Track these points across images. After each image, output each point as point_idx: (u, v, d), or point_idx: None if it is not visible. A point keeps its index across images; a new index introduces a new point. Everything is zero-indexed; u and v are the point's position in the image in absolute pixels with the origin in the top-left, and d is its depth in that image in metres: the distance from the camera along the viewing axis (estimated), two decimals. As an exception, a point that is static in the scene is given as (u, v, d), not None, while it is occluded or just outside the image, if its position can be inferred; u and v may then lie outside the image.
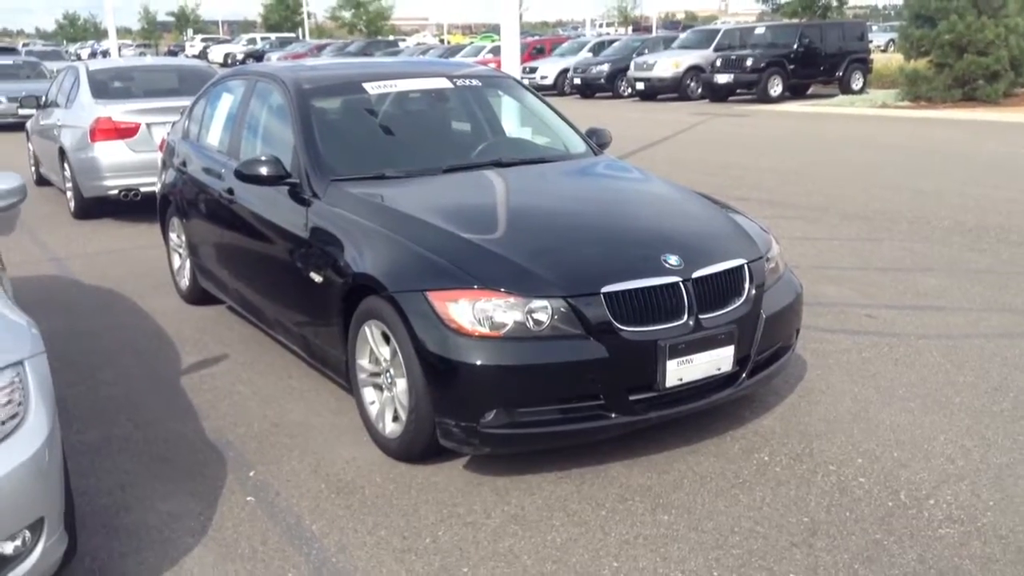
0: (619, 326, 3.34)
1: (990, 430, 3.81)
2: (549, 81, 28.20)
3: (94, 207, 8.99)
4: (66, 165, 9.16)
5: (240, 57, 48.90)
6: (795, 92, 22.33)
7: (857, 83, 22.67)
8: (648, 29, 54.11)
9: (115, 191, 8.65)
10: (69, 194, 9.30)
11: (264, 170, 4.27)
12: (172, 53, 58.99)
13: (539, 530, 3.15)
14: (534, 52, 31.45)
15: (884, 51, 34.73)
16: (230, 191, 4.87)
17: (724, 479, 3.48)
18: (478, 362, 3.25)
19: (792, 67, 21.86)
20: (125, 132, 8.57)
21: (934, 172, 10.73)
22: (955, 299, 5.69)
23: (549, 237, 3.70)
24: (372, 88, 4.75)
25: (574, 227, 3.82)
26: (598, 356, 3.31)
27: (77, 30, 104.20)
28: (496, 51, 33.98)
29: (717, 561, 2.93)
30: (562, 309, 3.31)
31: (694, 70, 23.64)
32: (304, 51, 43.89)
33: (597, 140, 5.16)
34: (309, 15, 63.23)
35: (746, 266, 3.70)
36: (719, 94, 22.54)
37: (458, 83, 5.02)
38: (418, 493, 3.43)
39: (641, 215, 4.04)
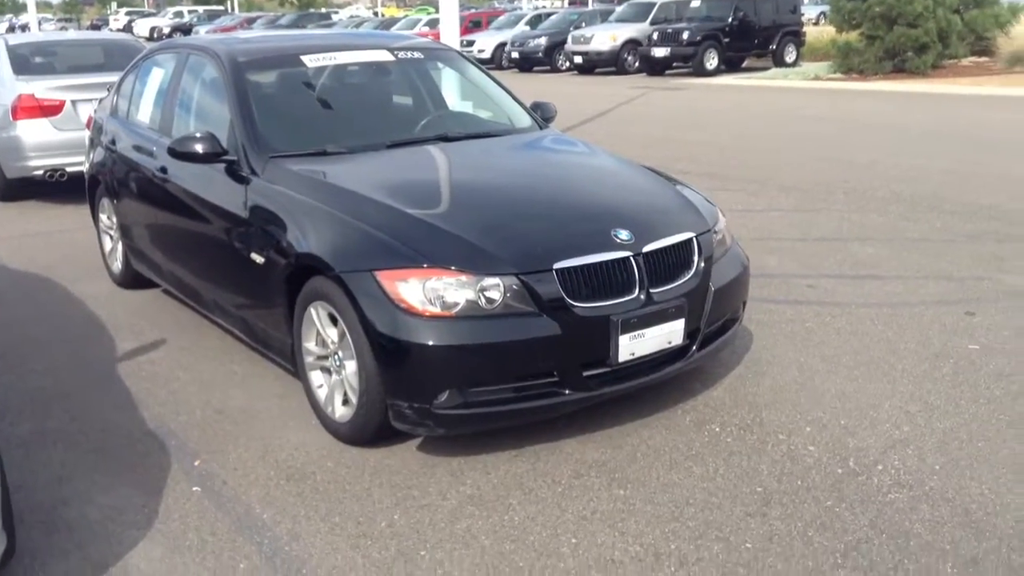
0: (572, 302, 3.31)
1: (932, 395, 3.90)
2: (487, 55, 27.96)
3: (19, 189, 8.63)
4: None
5: (167, 31, 47.46)
6: (730, 65, 22.54)
7: (790, 56, 22.98)
8: (584, 2, 54.02)
9: (40, 172, 8.30)
10: (-10, 176, 8.90)
11: (199, 147, 4.12)
12: (95, 27, 56.96)
13: (496, 510, 3.12)
14: (471, 25, 31.13)
15: (816, 24, 35.25)
16: (163, 170, 4.70)
17: (677, 451, 3.49)
18: (430, 342, 3.19)
19: (727, 40, 22.05)
20: (49, 110, 8.22)
21: (867, 143, 10.94)
22: (893, 268, 5.80)
23: (499, 213, 3.64)
24: (311, 61, 4.61)
25: (523, 202, 3.77)
26: (551, 333, 3.27)
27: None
28: (433, 24, 33.57)
29: (674, 533, 2.94)
30: (514, 286, 3.26)
31: (631, 44, 23.67)
32: (234, 24, 42.77)
33: (542, 114, 5.10)
34: (238, -13, 61.58)
35: (695, 239, 3.70)
36: (656, 68, 22.62)
37: (399, 56, 4.90)
38: (371, 477, 3.36)
39: (590, 189, 4.01)
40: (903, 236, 6.57)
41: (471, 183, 4.01)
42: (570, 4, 56.42)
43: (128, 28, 49.98)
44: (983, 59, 19.95)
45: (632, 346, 3.43)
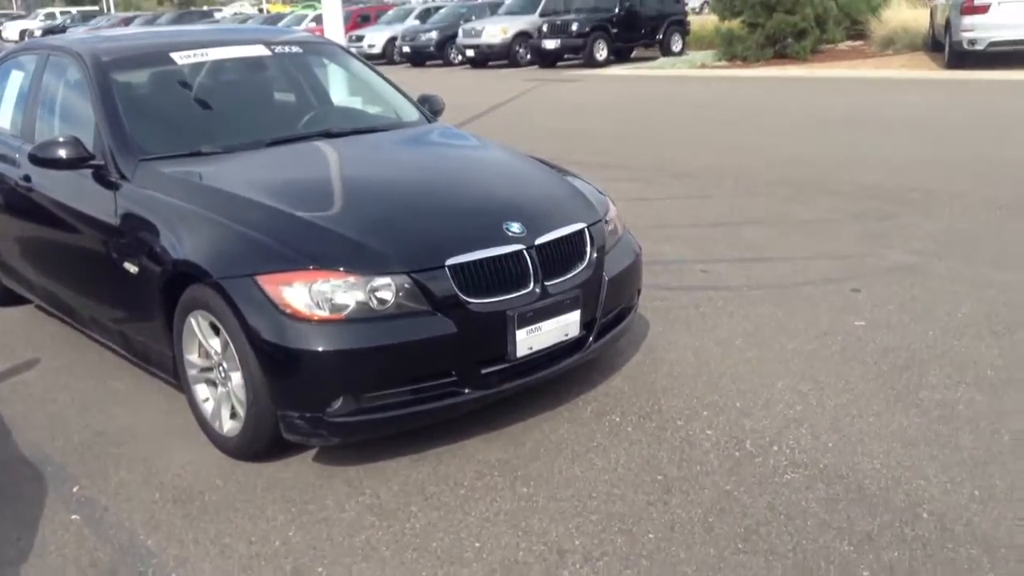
0: (466, 299, 3.23)
1: (823, 374, 3.98)
2: (377, 50, 27.62)
3: None
4: None
5: (39, 34, 45.02)
6: (619, 56, 22.82)
7: (676, 45, 23.40)
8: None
9: None
10: None
11: (63, 152, 3.86)
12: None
13: (397, 518, 3.02)
14: (359, 20, 30.68)
15: (699, 13, 36.07)
16: (27, 178, 4.40)
17: (579, 444, 3.46)
18: (319, 348, 3.06)
19: (615, 31, 22.28)
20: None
21: (753, 128, 11.22)
22: (781, 249, 5.94)
23: (387, 210, 3.53)
24: (181, 58, 4.38)
25: (412, 198, 3.67)
26: (447, 331, 3.19)
27: None
28: (319, 20, 32.90)
29: (578, 528, 2.90)
30: (406, 285, 3.16)
31: (522, 36, 23.69)
32: (109, 25, 41.01)
33: (430, 107, 5.01)
34: (114, -14, 59.10)
35: (587, 230, 3.67)
36: (548, 60, 22.72)
37: (277, 50, 4.72)
38: (264, 493, 3.22)
39: (480, 183, 3.93)
40: (791, 218, 6.74)
41: (357, 180, 3.88)
42: (460, -2, 56.32)
43: (-5, 31, 47.37)
44: (858, 43, 20.75)
45: (530, 340, 3.38)
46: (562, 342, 3.53)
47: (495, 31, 23.79)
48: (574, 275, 3.55)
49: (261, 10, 54.03)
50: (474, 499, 3.11)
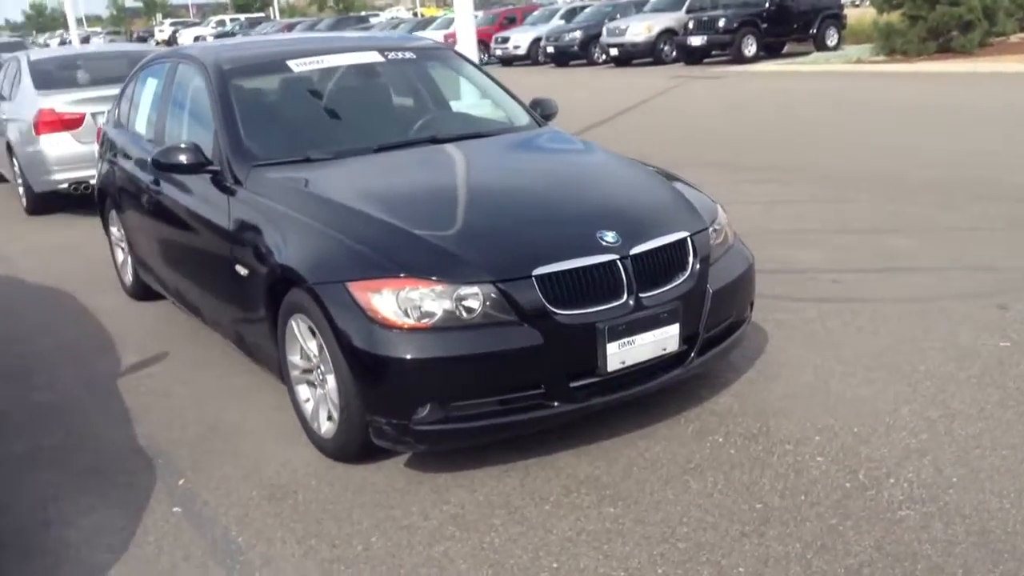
0: (554, 310, 3.14)
1: (956, 399, 3.64)
2: (522, 51, 27.84)
3: (46, 202, 8.71)
4: (14, 160, 8.87)
5: (211, 40, 48.10)
6: (770, 51, 22.03)
7: (832, 39, 22.38)
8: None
9: (64, 185, 8.37)
10: (21, 190, 9.02)
11: (183, 158, 4.04)
12: (142, 39, 58.03)
13: (478, 531, 2.96)
14: (505, 22, 31.01)
15: (857, 6, 34.33)
16: (156, 181, 4.64)
17: (675, 464, 3.30)
18: (407, 356, 3.05)
19: (765, 26, 21.53)
20: (70, 123, 8.29)
21: (909, 128, 10.53)
22: (924, 260, 5.51)
23: (479, 217, 3.48)
24: (297, 65, 4.50)
25: (506, 205, 3.60)
26: (533, 343, 3.11)
27: (46, 20, 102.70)
28: (468, 22, 33.55)
29: (662, 556, 2.76)
30: (492, 295, 3.10)
31: (667, 33, 23.32)
32: (274, 30, 43.20)
33: (542, 111, 4.93)
34: (279, -6, 62.30)
35: (689, 239, 3.50)
36: (693, 56, 22.22)
37: (390, 56, 4.76)
38: (354, 496, 3.24)
39: (578, 189, 3.81)
40: (940, 225, 6.25)
41: (454, 186, 3.86)
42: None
43: (173, 39, 50.82)
44: (1035, 35, 19.20)
45: (622, 354, 3.25)
46: (659, 357, 3.38)
47: (639, 29, 23.48)
48: (673, 287, 3.39)
49: (416, 14, 55.56)
50: (558, 516, 3.02)
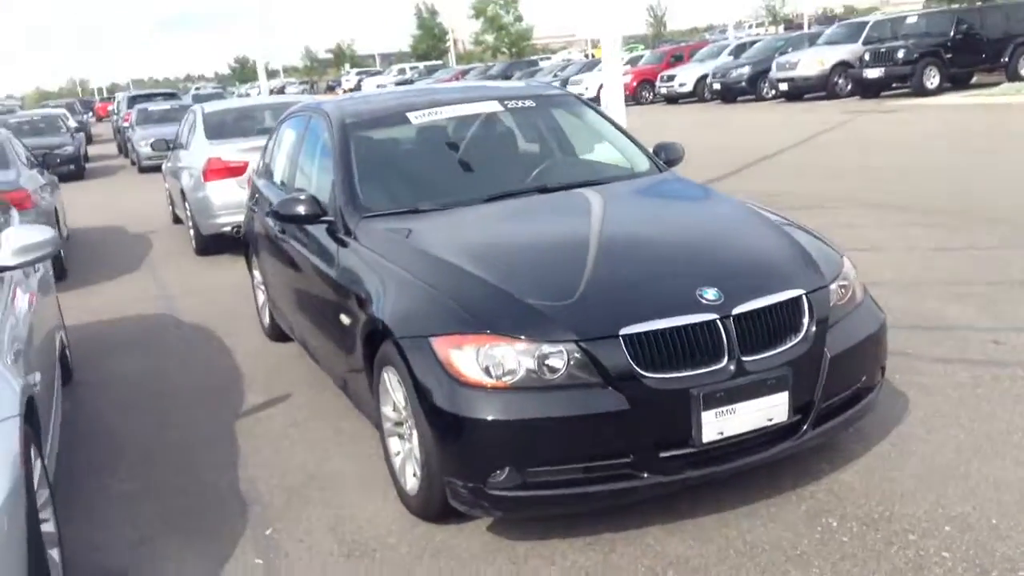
0: (642, 372, 2.93)
1: (1126, 488, 3.12)
2: (688, 88, 27.39)
3: (213, 243, 9.26)
4: (186, 204, 9.52)
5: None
6: (956, 83, 20.57)
7: (1026, 69, 20.63)
8: (800, 27, 51.83)
9: (228, 228, 8.85)
10: (191, 232, 9.65)
11: (301, 209, 4.13)
12: (331, 88, 61.80)
13: (549, 609, 2.78)
14: (672, 60, 30.67)
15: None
16: (282, 230, 4.78)
17: (778, 550, 2.98)
18: (483, 416, 2.93)
19: (950, 56, 20.12)
20: (235, 171, 8.77)
21: (1106, 165, 9.46)
22: (1108, 318, 4.85)
23: (573, 271, 3.31)
24: (416, 118, 4.53)
25: (605, 259, 3.42)
26: (618, 408, 2.91)
27: (248, 72, 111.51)
28: (634, 62, 33.49)
29: (746, 657, 2.47)
30: (576, 355, 2.94)
31: (842, 66, 22.23)
32: (448, 77, 44.80)
33: (666, 156, 4.72)
34: (455, 41, 64.64)
35: (804, 297, 3.20)
36: (870, 90, 21.06)
37: (509, 105, 4.71)
38: (431, 560, 3.13)
39: (684, 242, 3.58)
40: None
41: (554, 238, 3.71)
42: (786, 30, 54.35)
43: (358, 87, 53.69)
44: None
45: (720, 424, 2.99)
46: (765, 428, 3.09)
47: (811, 62, 22.55)
48: (782, 351, 3.10)
49: (588, 55, 56.11)
50: (638, 600, 2.78)
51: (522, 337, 2.97)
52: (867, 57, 20.96)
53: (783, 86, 23.09)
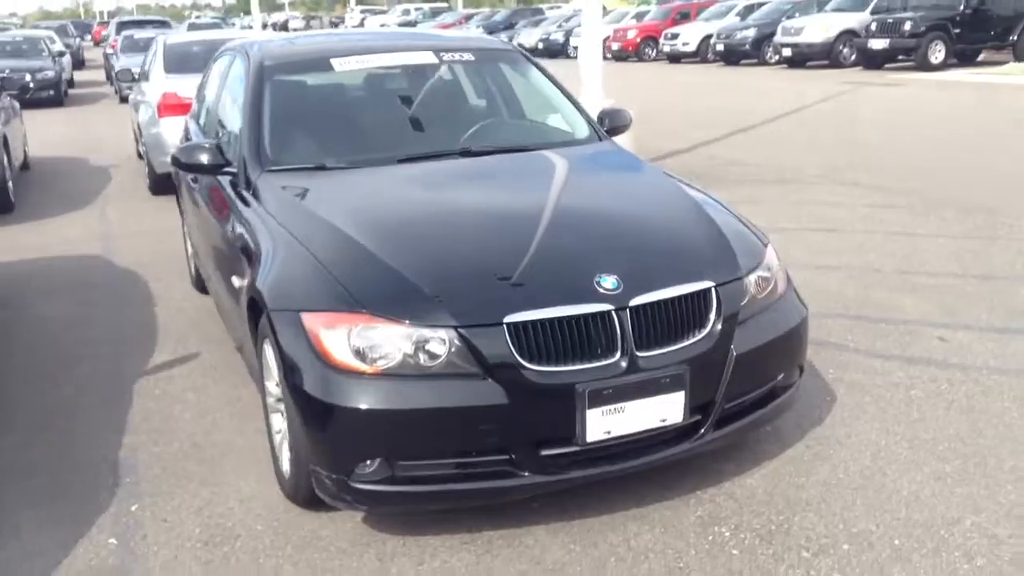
0: (525, 364, 2.69)
1: (1044, 514, 2.90)
2: (691, 48, 26.78)
3: (166, 182, 8.91)
4: (141, 139, 9.19)
5: (394, 27, 49.66)
6: (963, 59, 20.05)
7: (1035, 48, 20.11)
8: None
9: (180, 168, 8.54)
10: (146, 169, 9.33)
11: (203, 158, 3.85)
12: (333, 24, 60.64)
13: (401, 615, 2.57)
14: (678, 17, 29.95)
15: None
16: (194, 178, 4.50)
17: (661, 560, 2.77)
18: (350, 404, 2.68)
19: (958, 31, 19.56)
20: (190, 108, 8.43)
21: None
22: (1064, 321, 4.60)
23: (467, 250, 3.06)
24: (340, 64, 4.20)
25: (504, 237, 3.15)
26: (495, 401, 2.67)
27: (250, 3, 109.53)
28: (639, 16, 32.75)
29: None
30: (456, 342, 2.69)
31: (847, 35, 21.65)
32: (453, 21, 43.86)
33: (610, 123, 4.43)
34: (464, -16, 63.22)
35: (713, 290, 2.94)
36: (874, 61, 20.55)
37: (445, 57, 4.38)
38: (293, 551, 2.91)
39: (594, 223, 3.28)
40: (1097, 278, 5.25)
41: (456, 210, 3.42)
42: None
43: (360, 25, 52.66)
44: None
45: (606, 423, 2.76)
46: (658, 429, 2.85)
47: (817, 28, 21.97)
48: (681, 347, 2.85)
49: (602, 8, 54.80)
50: (497, 611, 2.57)
51: (400, 319, 2.72)
52: (873, 27, 20.41)
53: (786, 51, 22.52)
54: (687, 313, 2.88)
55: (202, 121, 5.14)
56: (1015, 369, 4.02)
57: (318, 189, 3.54)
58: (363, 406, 2.67)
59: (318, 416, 2.75)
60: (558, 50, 30.98)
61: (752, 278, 3.11)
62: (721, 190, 8.15)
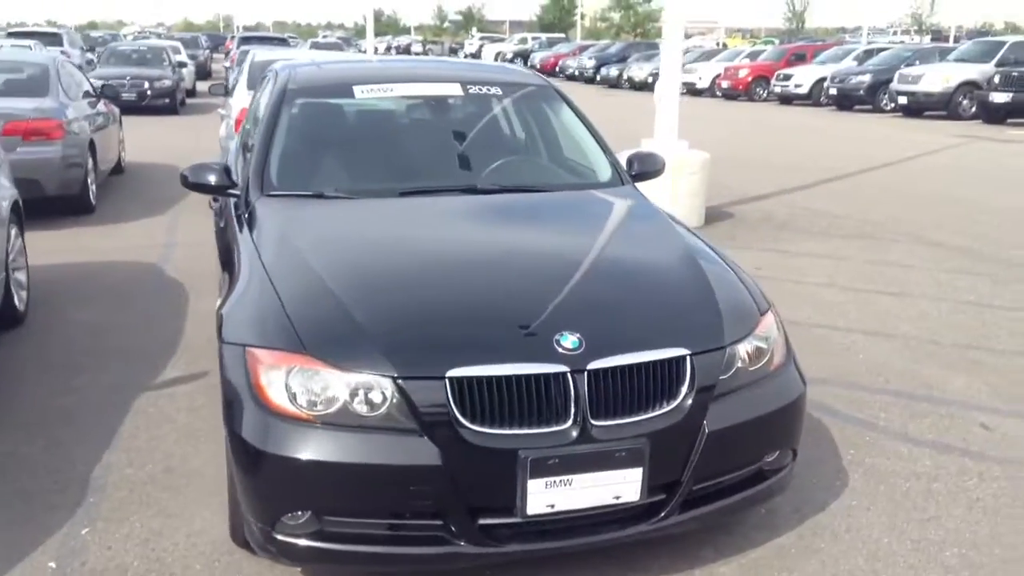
0: (464, 423, 2.50)
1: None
2: (804, 90, 26.02)
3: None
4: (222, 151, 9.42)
5: (509, 56, 50.40)
6: (1097, 120, 18.80)
7: None
8: (947, 39, 48.80)
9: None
10: (225, 183, 9.54)
11: (211, 178, 3.82)
12: (453, 51, 61.81)
13: None
14: (793, 59, 29.22)
15: None
16: (215, 198, 4.50)
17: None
18: (278, 450, 2.54)
19: (1090, 89, 18.39)
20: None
21: None
22: None
23: (428, 295, 2.88)
24: (362, 92, 4.13)
25: (471, 284, 2.96)
26: (429, 462, 2.49)
27: (380, 25, 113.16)
28: (753, 56, 32.06)
29: None
30: (393, 394, 2.52)
31: (968, 86, 20.63)
32: (567, 52, 44.09)
33: (639, 168, 4.19)
34: (582, 15, 63.66)
35: (689, 359, 2.68)
36: (995, 115, 19.48)
37: (471, 91, 4.25)
38: (221, 595, 2.79)
39: (575, 275, 3.02)
40: None
41: (436, 251, 3.23)
42: (933, 41, 51.21)
43: (478, 53, 53.50)
44: None
45: (550, 496, 2.53)
46: (611, 507, 2.61)
47: (936, 78, 21.01)
48: (643, 419, 2.61)
49: (722, 44, 54.19)
50: None
51: (340, 364, 2.57)
52: (996, 79, 19.39)
53: (902, 99, 21.62)
54: (654, 381, 2.63)
55: (240, 141, 5.16)
56: (1062, 471, 3.58)
57: (305, 219, 3.45)
58: (291, 454, 2.53)
59: (247, 459, 2.62)
60: (667, 85, 30.64)
61: (741, 348, 2.84)
62: (794, 242, 7.84)
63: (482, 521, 2.57)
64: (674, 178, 8.06)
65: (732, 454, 2.79)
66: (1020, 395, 4.35)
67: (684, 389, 2.66)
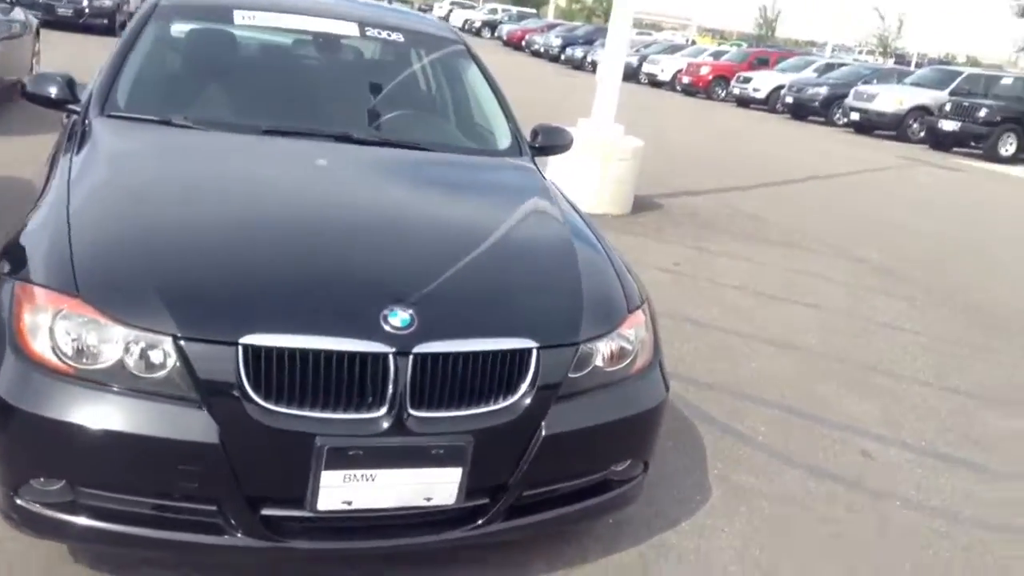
0: (255, 398, 2.13)
1: None
2: (761, 95, 25.92)
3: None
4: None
5: (478, 24, 49.89)
6: (1036, 157, 19.02)
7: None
8: (909, 64, 49.37)
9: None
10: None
11: (52, 90, 3.36)
12: (422, 11, 60.55)
13: None
14: (755, 62, 29.15)
15: None
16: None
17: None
18: (27, 404, 2.14)
19: (1035, 127, 18.59)
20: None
21: None
22: (1020, 459, 3.91)
23: (240, 249, 2.49)
24: (242, 18, 3.68)
25: (293, 241, 2.56)
26: (203, 438, 2.12)
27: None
28: (717, 55, 31.93)
29: None
30: (174, 355, 2.14)
31: (920, 110, 20.71)
32: (536, 27, 43.47)
33: (544, 140, 3.83)
34: (557, -5, 62.95)
35: (535, 352, 2.35)
36: (942, 142, 19.58)
37: (369, 33, 3.84)
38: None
39: (420, 246, 2.68)
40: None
41: (268, 201, 2.82)
42: (896, 63, 51.77)
43: (446, 17, 52.58)
44: None
45: (347, 491, 2.19)
46: (421, 509, 2.28)
47: (890, 99, 21.05)
48: (470, 414, 2.27)
49: (691, 41, 53.86)
50: None
51: (115, 314, 2.18)
52: (947, 107, 19.50)
53: (855, 116, 21.65)
54: (490, 374, 2.30)
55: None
56: (933, 508, 3.35)
57: (136, 147, 3.03)
58: (44, 413, 2.13)
59: (-2, 410, 2.22)
60: (630, 74, 30.35)
61: (601, 345, 2.52)
62: (718, 241, 7.60)
63: (265, 512, 2.22)
64: (604, 162, 7.76)
65: (572, 461, 2.48)
66: (911, 425, 4.14)
67: (524, 386, 2.33)
